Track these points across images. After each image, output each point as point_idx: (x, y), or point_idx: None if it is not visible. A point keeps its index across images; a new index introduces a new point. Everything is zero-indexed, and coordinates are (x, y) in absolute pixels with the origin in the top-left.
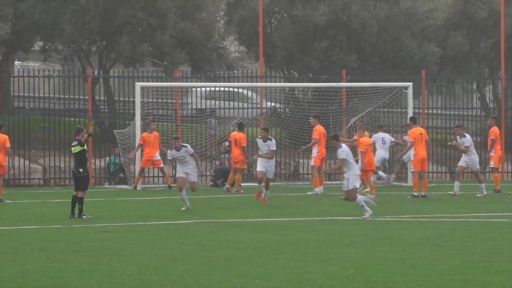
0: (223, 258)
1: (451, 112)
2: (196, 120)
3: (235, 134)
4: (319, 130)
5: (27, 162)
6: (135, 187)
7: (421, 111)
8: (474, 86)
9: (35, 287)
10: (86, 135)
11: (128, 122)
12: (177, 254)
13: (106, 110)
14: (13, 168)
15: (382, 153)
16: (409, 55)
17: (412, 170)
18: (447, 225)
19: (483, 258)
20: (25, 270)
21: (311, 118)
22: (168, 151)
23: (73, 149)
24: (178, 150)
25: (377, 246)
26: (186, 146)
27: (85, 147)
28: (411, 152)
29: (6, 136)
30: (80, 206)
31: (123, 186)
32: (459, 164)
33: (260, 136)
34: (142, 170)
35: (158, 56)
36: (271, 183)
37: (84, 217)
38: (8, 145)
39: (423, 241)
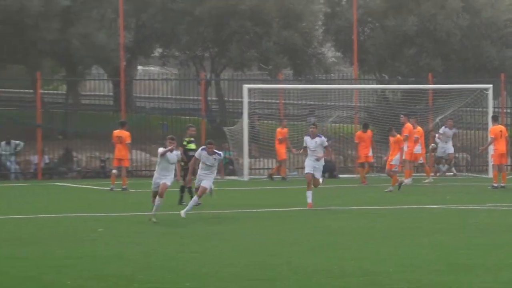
0: (324, 242)
1: None
2: (297, 118)
3: (360, 134)
4: (408, 127)
5: (147, 155)
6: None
7: (500, 110)
8: None
9: (156, 266)
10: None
11: (236, 120)
12: (282, 239)
13: (217, 110)
14: (136, 161)
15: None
16: (489, 60)
17: (492, 163)
18: None
19: None
20: (148, 251)
21: (401, 116)
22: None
23: (190, 145)
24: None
25: (462, 232)
26: (220, 154)
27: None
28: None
29: (127, 133)
30: (190, 195)
31: (232, 177)
32: None
33: (308, 134)
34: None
35: (264, 61)
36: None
37: (183, 203)
38: (128, 141)
39: (505, 228)
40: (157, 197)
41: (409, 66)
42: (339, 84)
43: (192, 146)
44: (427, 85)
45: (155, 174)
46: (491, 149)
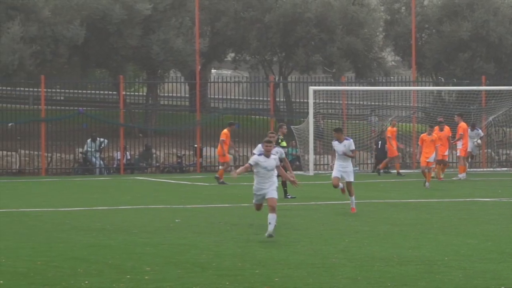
0: (382, 232)
1: None
2: (359, 118)
3: (437, 133)
4: (463, 126)
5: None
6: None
7: None
8: None
9: (227, 254)
10: None
11: (302, 119)
12: (343, 229)
13: (285, 110)
14: (210, 157)
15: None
16: None
17: None
18: None
19: None
20: (219, 241)
21: (455, 116)
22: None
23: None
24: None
25: None
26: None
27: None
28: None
29: (224, 131)
30: (284, 188)
31: (299, 172)
32: None
33: (335, 139)
34: None
35: (328, 64)
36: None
37: (289, 197)
38: (222, 138)
39: None
40: (269, 214)
41: (464, 69)
42: (398, 86)
43: (284, 144)
44: (480, 87)
45: (255, 184)
46: None
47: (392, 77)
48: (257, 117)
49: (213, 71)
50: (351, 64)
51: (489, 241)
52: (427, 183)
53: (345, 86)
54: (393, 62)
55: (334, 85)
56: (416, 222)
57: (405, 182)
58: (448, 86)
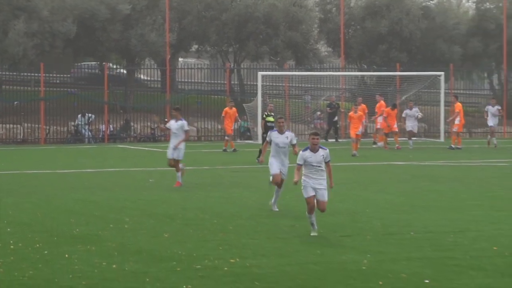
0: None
1: (470, 92)
2: (297, 97)
3: (389, 110)
4: (382, 104)
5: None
6: None
7: (449, 91)
8: (485, 75)
9: (191, 207)
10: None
11: (252, 98)
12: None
13: (238, 91)
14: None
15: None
16: (441, 53)
17: (455, 130)
18: None
19: None
20: (184, 197)
21: (376, 96)
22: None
23: (268, 118)
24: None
25: (421, 181)
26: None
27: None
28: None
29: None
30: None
31: (249, 141)
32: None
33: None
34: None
35: (273, 54)
36: None
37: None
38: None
39: (453, 178)
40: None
41: (382, 58)
42: (329, 71)
43: (271, 118)
44: (395, 73)
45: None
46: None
47: (325, 64)
48: (216, 96)
49: (180, 59)
50: (292, 54)
51: (402, 197)
52: (354, 151)
53: (287, 71)
54: (325, 52)
55: (278, 71)
56: (345, 182)
57: (339, 149)
58: (370, 72)
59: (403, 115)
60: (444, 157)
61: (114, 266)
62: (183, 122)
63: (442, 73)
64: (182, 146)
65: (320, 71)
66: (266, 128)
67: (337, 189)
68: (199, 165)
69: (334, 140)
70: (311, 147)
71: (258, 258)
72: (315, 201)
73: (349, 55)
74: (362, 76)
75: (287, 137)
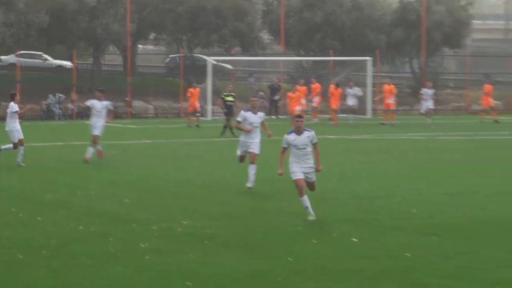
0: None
1: (393, 75)
2: (243, 79)
3: (332, 90)
4: (317, 86)
5: (144, 103)
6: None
7: (377, 75)
8: (407, 60)
9: (150, 176)
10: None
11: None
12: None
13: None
14: (137, 107)
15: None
16: (369, 41)
17: (384, 108)
18: None
19: None
20: (144, 166)
21: (312, 78)
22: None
23: (227, 98)
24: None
25: (348, 155)
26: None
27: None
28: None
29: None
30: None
31: (202, 118)
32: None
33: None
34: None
35: (222, 42)
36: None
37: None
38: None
39: (384, 150)
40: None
41: (318, 45)
42: (271, 57)
43: (230, 98)
44: (328, 57)
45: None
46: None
47: (267, 51)
48: (171, 78)
49: (140, 46)
50: (238, 41)
51: (335, 166)
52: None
53: (234, 57)
54: (268, 40)
55: (226, 56)
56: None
57: (280, 125)
58: (307, 57)
59: (346, 93)
60: (372, 131)
61: (81, 227)
62: (108, 102)
63: (370, 58)
64: (103, 123)
65: (262, 57)
66: (227, 107)
67: (276, 160)
68: (156, 138)
69: (274, 116)
70: (296, 129)
71: (209, 220)
72: (304, 182)
73: (289, 42)
74: (300, 61)
75: (260, 117)
